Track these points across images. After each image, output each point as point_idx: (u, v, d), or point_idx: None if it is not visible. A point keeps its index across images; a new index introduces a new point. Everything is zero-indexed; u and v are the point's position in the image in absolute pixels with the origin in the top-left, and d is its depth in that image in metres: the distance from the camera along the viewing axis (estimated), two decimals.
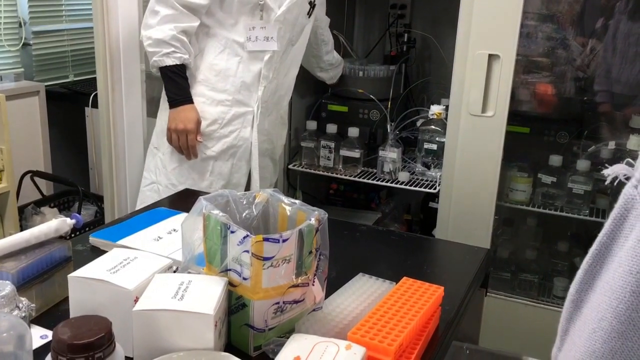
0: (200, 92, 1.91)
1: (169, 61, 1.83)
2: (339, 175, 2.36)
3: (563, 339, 0.58)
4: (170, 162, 1.96)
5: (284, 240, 0.89)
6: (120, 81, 2.23)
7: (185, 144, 1.88)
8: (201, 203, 0.97)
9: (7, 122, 2.31)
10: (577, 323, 0.56)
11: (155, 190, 1.98)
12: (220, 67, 1.90)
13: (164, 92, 1.96)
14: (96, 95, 2.31)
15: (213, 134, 1.93)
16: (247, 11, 1.87)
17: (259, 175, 2.00)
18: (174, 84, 1.87)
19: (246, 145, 1.97)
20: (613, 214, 0.52)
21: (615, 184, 0.54)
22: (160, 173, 1.98)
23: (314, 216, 0.95)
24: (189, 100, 1.88)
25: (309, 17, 2.00)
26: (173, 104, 1.88)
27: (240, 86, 1.92)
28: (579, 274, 0.56)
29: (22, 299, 0.92)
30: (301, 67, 2.18)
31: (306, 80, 2.44)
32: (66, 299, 0.98)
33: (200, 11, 1.85)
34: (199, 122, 1.88)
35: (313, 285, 0.96)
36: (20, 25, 2.86)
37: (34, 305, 0.95)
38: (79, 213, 2.58)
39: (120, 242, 1.26)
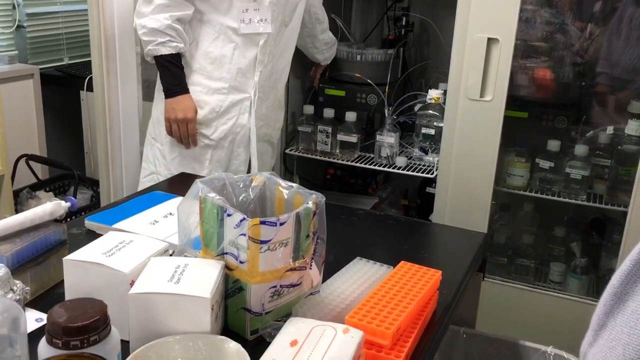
0: (196, 81, 1.89)
1: (164, 50, 1.82)
2: (336, 160, 2.35)
3: (598, 334, 0.53)
4: (170, 152, 1.95)
5: (281, 224, 0.88)
6: (116, 64, 2.21)
7: (185, 132, 1.88)
8: (197, 186, 0.96)
9: (2, 106, 2.29)
10: (619, 318, 0.51)
11: (155, 180, 1.97)
12: (216, 55, 1.88)
13: (158, 83, 1.94)
14: (91, 78, 2.29)
15: (211, 122, 1.91)
16: None
17: (259, 161, 1.99)
18: (170, 73, 1.85)
19: (244, 132, 1.96)
20: None
21: None
22: (160, 163, 1.98)
23: (312, 199, 0.94)
24: (186, 90, 1.87)
25: None
26: (169, 93, 1.87)
27: (236, 73, 1.90)
28: (627, 265, 0.51)
29: (17, 282, 0.91)
30: (297, 51, 2.16)
31: (304, 64, 2.42)
32: (61, 282, 0.98)
33: None
34: (196, 111, 1.88)
35: (310, 268, 0.96)
36: (14, 7, 2.82)
37: (28, 288, 0.95)
38: (75, 197, 2.57)
39: (116, 225, 1.25)
